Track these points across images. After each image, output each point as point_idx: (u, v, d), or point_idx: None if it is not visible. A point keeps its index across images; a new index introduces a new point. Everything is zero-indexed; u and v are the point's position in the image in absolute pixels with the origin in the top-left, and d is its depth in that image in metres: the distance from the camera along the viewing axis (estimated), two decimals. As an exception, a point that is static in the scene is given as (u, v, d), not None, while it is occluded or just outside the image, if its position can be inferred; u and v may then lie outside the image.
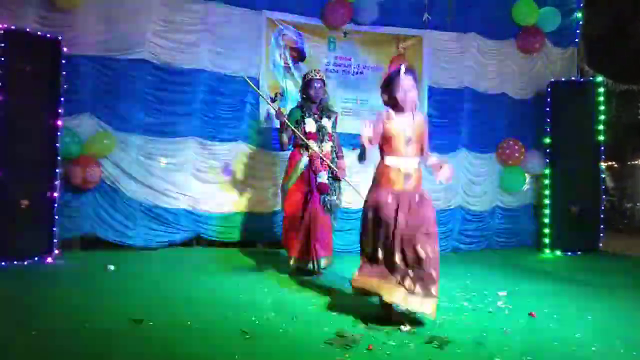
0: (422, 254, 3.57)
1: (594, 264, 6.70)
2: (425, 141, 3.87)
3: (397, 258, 3.60)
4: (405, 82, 3.73)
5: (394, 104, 3.77)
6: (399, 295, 3.57)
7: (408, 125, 3.74)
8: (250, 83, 5.72)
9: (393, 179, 3.70)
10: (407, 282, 3.59)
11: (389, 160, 3.75)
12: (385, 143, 3.77)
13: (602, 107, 7.44)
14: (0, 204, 5.08)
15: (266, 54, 6.86)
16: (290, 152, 5.51)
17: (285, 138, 5.41)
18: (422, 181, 3.82)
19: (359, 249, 3.88)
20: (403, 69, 3.76)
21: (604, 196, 7.78)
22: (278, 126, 5.55)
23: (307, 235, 5.21)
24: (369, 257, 3.76)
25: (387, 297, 3.61)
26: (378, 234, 3.69)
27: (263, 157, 6.82)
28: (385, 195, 3.68)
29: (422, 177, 3.81)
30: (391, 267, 3.64)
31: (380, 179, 3.77)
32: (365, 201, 3.83)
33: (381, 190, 3.71)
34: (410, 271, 3.59)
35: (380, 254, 3.69)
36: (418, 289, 3.56)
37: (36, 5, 5.80)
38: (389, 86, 3.80)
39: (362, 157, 3.85)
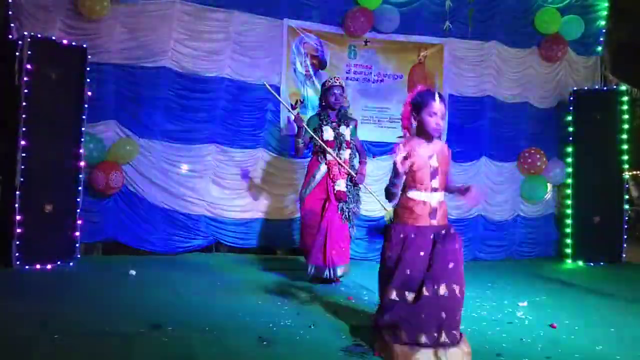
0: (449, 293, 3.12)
1: (617, 274, 6.58)
2: (450, 172, 3.45)
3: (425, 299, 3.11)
4: (440, 107, 3.28)
5: (421, 132, 3.33)
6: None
7: (435, 154, 3.32)
8: (271, 89, 5.71)
9: (418, 213, 3.26)
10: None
11: (413, 193, 3.29)
12: (409, 175, 3.29)
13: (625, 116, 7.34)
14: (24, 209, 5.17)
15: (287, 62, 6.90)
16: (309, 159, 5.53)
17: (300, 143, 5.40)
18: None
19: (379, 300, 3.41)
20: (437, 94, 3.30)
21: (627, 206, 7.65)
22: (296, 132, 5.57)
23: (325, 243, 5.20)
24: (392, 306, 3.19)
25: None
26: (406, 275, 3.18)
27: (283, 164, 6.85)
28: (409, 231, 3.24)
29: (447, 211, 3.39)
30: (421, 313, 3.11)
31: (403, 214, 3.31)
32: (385, 240, 3.35)
33: (405, 227, 3.26)
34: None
35: (408, 298, 3.16)
36: (444, 337, 3.09)
37: (63, 14, 5.92)
38: (419, 111, 3.30)
39: (391, 194, 3.34)
